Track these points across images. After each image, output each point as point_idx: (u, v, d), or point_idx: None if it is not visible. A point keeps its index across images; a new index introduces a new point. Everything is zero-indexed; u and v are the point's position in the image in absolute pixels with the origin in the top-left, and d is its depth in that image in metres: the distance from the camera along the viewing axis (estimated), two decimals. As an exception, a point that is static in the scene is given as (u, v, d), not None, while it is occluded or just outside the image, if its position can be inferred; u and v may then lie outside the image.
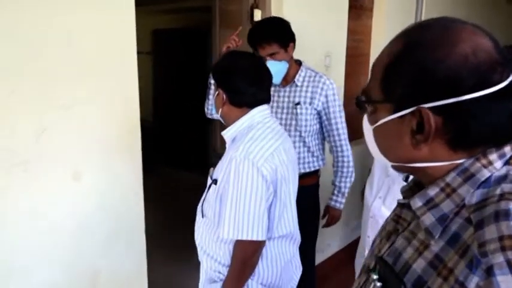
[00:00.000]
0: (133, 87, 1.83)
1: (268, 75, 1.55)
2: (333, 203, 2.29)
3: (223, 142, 2.89)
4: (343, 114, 2.25)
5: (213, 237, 1.48)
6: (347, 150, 2.24)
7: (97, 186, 1.77)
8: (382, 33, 3.59)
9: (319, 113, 2.24)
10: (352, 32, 3.25)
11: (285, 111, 2.24)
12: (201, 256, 1.58)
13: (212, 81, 2.17)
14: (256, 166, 1.35)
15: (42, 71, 1.54)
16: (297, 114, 2.20)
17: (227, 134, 1.52)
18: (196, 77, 4.36)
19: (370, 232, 1.67)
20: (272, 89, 2.23)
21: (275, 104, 2.26)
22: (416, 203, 0.68)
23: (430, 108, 0.63)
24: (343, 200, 2.26)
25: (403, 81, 0.66)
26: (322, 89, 2.20)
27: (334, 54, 2.95)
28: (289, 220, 1.52)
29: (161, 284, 2.60)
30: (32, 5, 1.47)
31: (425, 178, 0.70)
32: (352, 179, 2.26)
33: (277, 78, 2.13)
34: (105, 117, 1.76)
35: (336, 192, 2.28)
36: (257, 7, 2.52)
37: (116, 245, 1.89)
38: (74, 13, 1.58)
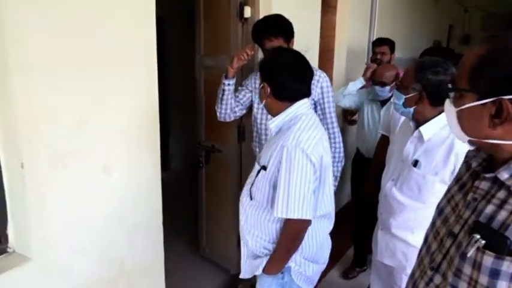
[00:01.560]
0: (153, 78, 1.87)
1: (310, 71, 1.66)
2: None
3: (208, 135, 3.00)
4: (334, 104, 2.46)
5: (261, 217, 1.63)
6: (338, 137, 2.47)
7: (123, 179, 1.82)
8: (346, 29, 3.86)
9: (315, 104, 2.43)
10: (321, 28, 3.47)
11: None
12: (245, 236, 1.71)
13: (226, 85, 2.31)
14: (305, 153, 1.50)
15: (79, 64, 1.55)
16: None
17: (272, 124, 1.65)
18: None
19: (382, 209, 1.88)
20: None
21: None
22: (503, 175, 0.88)
23: (509, 100, 0.83)
24: (336, 183, 2.48)
25: (487, 78, 0.87)
26: (318, 81, 2.40)
27: (310, 49, 3.15)
28: (327, 201, 1.67)
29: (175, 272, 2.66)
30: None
31: (499, 153, 0.91)
32: (343, 163, 2.49)
33: None
34: (131, 110, 1.80)
35: None
36: (246, 4, 2.63)
37: (138, 235, 1.94)
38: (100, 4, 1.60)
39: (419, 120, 1.74)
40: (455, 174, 1.61)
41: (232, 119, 2.50)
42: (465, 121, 0.93)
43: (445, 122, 1.70)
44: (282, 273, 1.65)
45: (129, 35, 1.72)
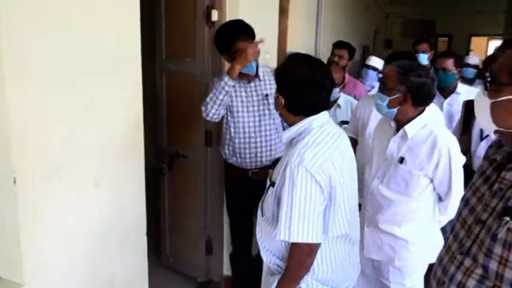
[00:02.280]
0: (138, 88, 1.80)
1: (329, 82, 1.52)
2: None
3: (171, 141, 2.92)
4: None
5: (272, 234, 1.53)
6: None
7: (111, 190, 1.72)
8: (298, 32, 3.96)
9: (267, 96, 2.47)
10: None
11: (256, 103, 2.42)
12: (262, 251, 1.64)
13: (229, 86, 2.23)
14: (309, 172, 1.38)
15: (71, 71, 1.45)
16: (269, 104, 2.41)
17: (284, 136, 1.55)
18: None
19: (369, 206, 1.96)
20: (237, 85, 2.40)
21: (245, 99, 2.42)
22: None
23: None
24: None
25: None
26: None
27: (271, 52, 3.19)
28: (343, 221, 1.51)
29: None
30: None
31: None
32: None
33: (254, 70, 2.34)
34: (118, 119, 1.72)
35: None
36: (213, 7, 2.60)
37: (125, 250, 1.85)
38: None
39: (401, 121, 1.85)
40: (438, 168, 1.76)
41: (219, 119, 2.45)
42: (499, 112, 1.02)
43: (425, 121, 1.83)
44: None
45: (117, 44, 1.66)
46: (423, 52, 3.92)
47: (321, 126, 1.50)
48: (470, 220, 1.12)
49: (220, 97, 2.27)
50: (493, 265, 1.01)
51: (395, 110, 1.83)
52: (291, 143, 1.54)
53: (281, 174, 1.46)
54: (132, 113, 1.79)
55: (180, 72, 2.77)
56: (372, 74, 3.51)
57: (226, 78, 2.23)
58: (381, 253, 1.94)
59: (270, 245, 1.60)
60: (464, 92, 2.89)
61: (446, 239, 1.24)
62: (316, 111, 1.50)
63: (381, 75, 3.19)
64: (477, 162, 2.44)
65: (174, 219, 3.10)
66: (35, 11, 1.30)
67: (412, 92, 1.77)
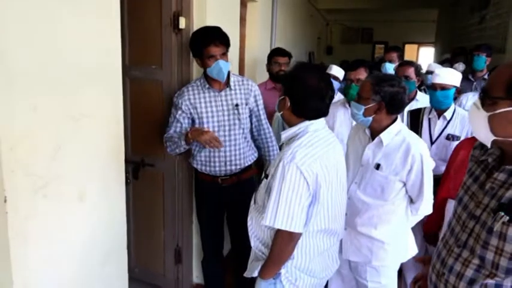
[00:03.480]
0: (118, 100, 1.76)
1: (331, 91, 1.67)
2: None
3: (136, 149, 2.85)
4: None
5: (259, 220, 1.66)
6: (275, 140, 2.66)
7: (94, 204, 1.66)
8: (254, 39, 4.02)
9: (250, 111, 2.53)
10: (235, 39, 3.57)
11: (226, 113, 2.44)
12: (251, 237, 1.75)
13: (184, 147, 2.31)
14: (299, 169, 1.53)
15: (56, 82, 1.39)
16: (239, 114, 2.44)
17: (283, 135, 1.68)
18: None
19: (347, 210, 2.04)
20: (207, 94, 2.40)
21: (214, 109, 2.43)
22: None
23: None
24: None
25: None
26: (251, 90, 2.53)
27: (234, 59, 3.22)
28: (325, 218, 1.66)
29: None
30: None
31: None
32: None
33: (224, 77, 2.38)
34: (100, 132, 1.66)
35: None
36: (181, 15, 2.58)
37: (107, 264, 1.79)
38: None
39: (376, 129, 1.96)
40: (411, 173, 1.88)
41: None
42: (497, 123, 1.12)
43: (398, 128, 1.96)
44: (274, 280, 1.69)
45: (98, 57, 1.62)
46: (390, 61, 4.04)
47: (315, 130, 1.65)
48: (464, 216, 1.24)
49: (177, 151, 2.39)
50: (490, 255, 1.13)
51: (370, 118, 1.93)
52: (288, 142, 1.67)
53: (275, 168, 1.60)
54: (113, 125, 1.75)
55: (146, 79, 2.71)
56: (333, 83, 3.59)
57: (183, 143, 2.30)
58: (359, 254, 2.04)
59: (258, 231, 1.72)
60: (422, 99, 3.09)
61: (444, 234, 1.34)
62: (318, 116, 1.66)
63: (341, 85, 3.36)
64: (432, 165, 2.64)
65: (139, 229, 3.02)
66: (21, 25, 1.24)
67: (386, 101, 1.89)
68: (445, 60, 6.58)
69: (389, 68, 3.94)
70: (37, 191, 1.34)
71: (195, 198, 2.73)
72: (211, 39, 2.28)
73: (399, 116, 2.01)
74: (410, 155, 1.88)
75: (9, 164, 1.23)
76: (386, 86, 1.89)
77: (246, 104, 2.50)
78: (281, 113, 1.70)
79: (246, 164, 2.55)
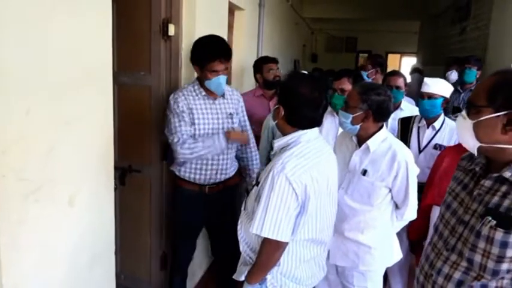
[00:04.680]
0: (109, 104, 1.77)
1: (325, 101, 1.67)
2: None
3: (123, 154, 2.84)
4: None
5: (249, 227, 1.65)
6: (257, 150, 2.74)
7: (82, 209, 1.66)
8: (242, 47, 4.06)
9: (239, 120, 2.58)
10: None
11: (221, 121, 2.46)
12: (240, 242, 1.76)
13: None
14: (288, 180, 1.53)
15: (49, 85, 1.40)
16: (233, 123, 2.47)
17: (276, 144, 1.69)
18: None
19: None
20: (203, 102, 2.42)
21: (210, 116, 2.44)
22: (507, 174, 1.17)
23: None
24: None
25: (502, 97, 1.14)
26: (239, 100, 2.61)
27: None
28: (312, 228, 1.67)
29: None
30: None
31: (501, 157, 1.19)
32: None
33: (222, 92, 2.42)
34: (91, 136, 1.66)
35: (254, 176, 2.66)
36: (170, 22, 2.60)
37: (96, 269, 1.79)
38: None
39: (363, 136, 2.01)
40: (397, 179, 1.93)
41: None
42: (481, 130, 1.18)
43: (384, 135, 2.01)
44: (260, 285, 1.70)
45: (90, 62, 1.63)
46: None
47: (307, 141, 1.65)
48: (453, 221, 1.29)
49: (209, 155, 2.39)
50: (478, 258, 1.18)
51: (358, 126, 1.98)
52: (279, 151, 1.68)
53: (265, 177, 1.61)
54: (105, 129, 1.75)
55: (134, 85, 2.71)
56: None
57: (224, 143, 2.36)
58: (346, 259, 2.07)
59: (247, 236, 1.74)
60: (407, 109, 3.17)
61: (431, 238, 1.38)
62: (311, 126, 1.66)
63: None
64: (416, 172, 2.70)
65: (125, 236, 3.00)
66: (12, 31, 1.25)
67: (373, 110, 1.94)
68: (415, 70, 6.71)
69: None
70: (28, 196, 1.34)
71: (176, 207, 2.71)
72: (218, 56, 2.27)
73: (384, 124, 2.06)
74: (396, 161, 1.92)
75: (0, 168, 1.23)
76: (373, 94, 1.94)
77: (237, 114, 2.57)
78: (276, 122, 1.71)
79: (233, 173, 2.59)
